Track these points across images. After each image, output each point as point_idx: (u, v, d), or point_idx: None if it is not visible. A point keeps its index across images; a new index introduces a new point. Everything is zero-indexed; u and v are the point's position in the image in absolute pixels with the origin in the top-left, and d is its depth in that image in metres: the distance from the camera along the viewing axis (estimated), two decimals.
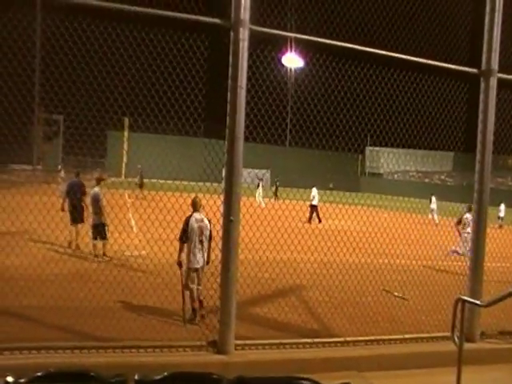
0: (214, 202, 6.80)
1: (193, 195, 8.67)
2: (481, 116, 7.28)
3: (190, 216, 8.55)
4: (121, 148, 34.96)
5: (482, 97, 7.23)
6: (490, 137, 7.32)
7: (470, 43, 7.54)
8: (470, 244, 7.71)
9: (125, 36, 6.10)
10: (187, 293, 8.45)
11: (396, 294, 10.46)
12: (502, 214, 33.58)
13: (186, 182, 8.84)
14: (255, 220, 7.89)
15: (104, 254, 13.17)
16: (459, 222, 15.76)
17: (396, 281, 10.83)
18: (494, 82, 7.18)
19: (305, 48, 6.43)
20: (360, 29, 7.08)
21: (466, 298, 6.10)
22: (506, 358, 7.49)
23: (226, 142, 5.86)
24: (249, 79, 6.03)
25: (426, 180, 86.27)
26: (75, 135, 8.23)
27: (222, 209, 6.18)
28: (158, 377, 2.12)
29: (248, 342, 6.77)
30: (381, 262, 13.57)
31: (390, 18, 7.36)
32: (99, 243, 13.31)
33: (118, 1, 5.41)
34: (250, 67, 6.03)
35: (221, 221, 6.35)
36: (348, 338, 7.37)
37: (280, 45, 6.28)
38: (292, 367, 6.60)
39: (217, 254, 6.79)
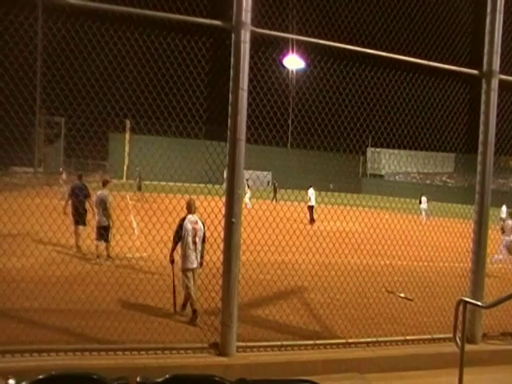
0: (216, 204, 6.81)
1: (194, 197, 8.72)
2: (482, 117, 7.28)
3: (185, 217, 8.67)
4: (122, 150, 34.97)
5: (483, 98, 7.23)
6: (492, 138, 7.31)
7: (471, 44, 7.54)
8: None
9: (126, 38, 6.11)
10: (180, 289, 8.66)
11: (402, 295, 10.45)
12: (503, 216, 33.52)
13: (187, 184, 8.87)
14: (250, 221, 7.88)
15: (108, 256, 13.24)
16: (502, 229, 16.50)
17: (398, 282, 10.82)
18: (495, 84, 7.17)
19: (306, 50, 6.44)
20: (362, 30, 7.08)
21: (467, 299, 6.09)
22: (507, 359, 7.48)
23: (228, 144, 5.87)
24: (250, 81, 6.04)
25: (428, 181, 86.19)
26: (77, 137, 8.24)
27: (223, 210, 6.19)
28: (160, 379, 2.12)
29: (250, 343, 6.77)
30: (382, 263, 13.56)
31: (391, 19, 7.36)
32: (102, 245, 13.34)
33: (120, 3, 5.42)
34: (251, 69, 6.04)
35: (221, 223, 6.37)
36: (349, 340, 7.37)
37: (281, 46, 6.29)
38: (293, 369, 6.60)
39: (218, 255, 6.79)
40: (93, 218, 14.12)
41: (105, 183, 14.17)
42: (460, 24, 7.66)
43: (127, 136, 35.91)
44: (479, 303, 6.44)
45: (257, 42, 6.00)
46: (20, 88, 6.22)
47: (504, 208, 33.93)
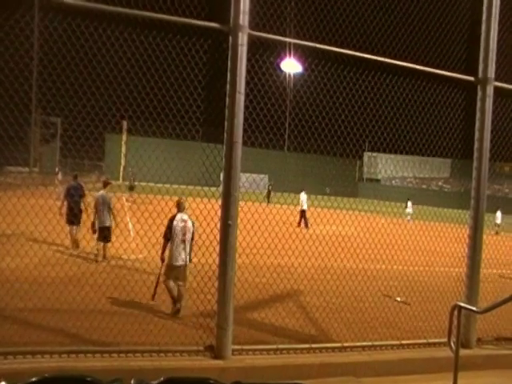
0: (212, 206, 6.80)
1: (190, 199, 8.72)
2: (477, 124, 7.30)
3: (174, 216, 8.89)
4: (119, 151, 34.84)
5: (478, 105, 7.25)
6: (487, 144, 7.33)
7: (468, 50, 7.56)
8: None
9: (123, 39, 6.09)
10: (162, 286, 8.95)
11: (398, 299, 10.45)
12: (498, 221, 33.73)
13: (183, 186, 8.89)
14: (246, 224, 7.87)
15: (104, 256, 13.22)
16: None
17: (393, 286, 10.83)
18: (490, 91, 7.18)
19: (304, 53, 6.44)
20: (359, 35, 7.08)
21: (462, 304, 6.11)
22: (502, 364, 7.49)
23: (224, 147, 5.86)
24: (247, 83, 6.04)
25: (424, 186, 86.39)
26: (73, 138, 8.21)
27: (219, 213, 6.18)
28: (155, 382, 2.10)
29: (245, 347, 6.75)
30: (378, 267, 13.58)
31: (388, 25, 7.37)
32: (103, 244, 13.35)
33: (117, 4, 5.40)
34: (248, 72, 6.03)
35: (217, 225, 6.35)
36: (345, 344, 7.36)
37: (279, 50, 6.29)
38: (289, 372, 6.59)
39: (214, 257, 6.78)
40: (88, 218, 14.10)
41: (105, 184, 14.20)
42: (457, 30, 7.68)
43: (124, 137, 35.79)
44: (474, 308, 6.46)
45: (254, 44, 6.00)
46: (15, 86, 6.20)
47: (499, 213, 34.08)
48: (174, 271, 8.82)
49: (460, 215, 9.22)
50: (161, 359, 6.32)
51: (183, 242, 8.78)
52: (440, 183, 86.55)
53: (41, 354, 5.97)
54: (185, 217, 8.92)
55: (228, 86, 5.83)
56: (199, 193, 7.89)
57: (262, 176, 52.53)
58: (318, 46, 6.31)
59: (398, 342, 7.65)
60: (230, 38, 5.74)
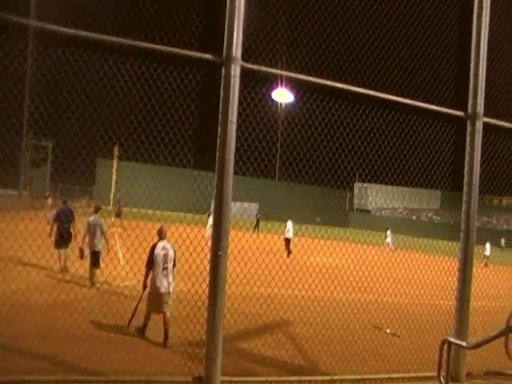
0: (199, 231, 6.79)
1: (181, 227, 8.73)
2: (467, 158, 7.38)
3: (156, 244, 8.90)
4: (110, 177, 34.84)
5: (468, 140, 7.34)
6: (476, 179, 7.40)
7: (458, 86, 7.71)
8: None
9: (117, 67, 6.15)
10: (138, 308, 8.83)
11: (388, 331, 10.38)
12: (487, 253, 33.85)
13: (175, 213, 8.89)
14: (236, 255, 7.85)
15: (92, 281, 13.08)
16: None
17: (384, 318, 10.78)
18: (479, 126, 7.30)
19: (295, 84, 6.53)
20: (351, 69, 7.21)
21: (452, 339, 6.10)
22: None
23: (216, 177, 5.87)
24: (239, 114, 6.09)
25: (414, 217, 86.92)
26: (64, 164, 8.22)
27: (207, 241, 6.16)
28: None
29: (234, 378, 6.66)
30: (368, 298, 13.52)
31: (380, 59, 7.52)
32: (94, 270, 13.23)
33: (112, 33, 5.48)
34: (240, 103, 6.10)
35: (207, 256, 6.32)
36: (334, 377, 7.29)
37: (271, 80, 6.37)
38: None
39: (204, 288, 6.74)
40: (77, 241, 14.01)
41: (96, 209, 14.15)
42: (447, 66, 7.85)
43: (115, 163, 35.84)
44: (463, 343, 6.44)
45: (247, 76, 6.07)
46: (8, 111, 6.22)
47: (488, 245, 34.23)
48: (156, 299, 8.78)
49: (450, 247, 9.25)
50: None
51: (165, 269, 8.77)
52: (430, 214, 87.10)
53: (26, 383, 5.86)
54: (167, 245, 8.94)
55: (220, 116, 5.87)
56: (187, 218, 7.89)
57: (253, 205, 52.66)
58: (309, 78, 6.39)
59: (387, 376, 7.57)
60: (223, 69, 5.82)
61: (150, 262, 8.77)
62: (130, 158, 10.16)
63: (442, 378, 5.68)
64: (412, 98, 7.01)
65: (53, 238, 14.27)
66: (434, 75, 7.89)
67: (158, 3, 6.11)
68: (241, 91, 5.99)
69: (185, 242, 7.80)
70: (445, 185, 8.53)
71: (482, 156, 7.45)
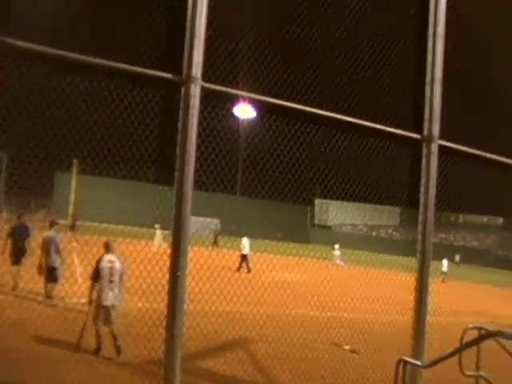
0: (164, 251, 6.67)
1: (143, 242, 8.65)
2: (423, 180, 7.52)
3: (102, 257, 8.93)
4: (68, 190, 34.07)
5: (423, 161, 7.49)
6: (432, 200, 7.53)
7: (416, 110, 7.87)
8: None
9: (75, 85, 6.03)
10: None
11: (346, 347, 10.42)
12: (445, 269, 34.60)
13: (137, 228, 8.76)
14: (196, 272, 7.77)
15: (49, 297, 12.72)
16: None
17: (342, 335, 10.82)
18: (435, 148, 7.47)
19: (257, 104, 6.54)
20: (310, 91, 7.26)
21: (407, 359, 6.23)
22: None
23: (175, 197, 5.77)
24: (201, 128, 6.04)
25: (374, 233, 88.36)
26: (21, 177, 7.99)
27: (168, 263, 6.03)
28: None
29: None
30: (328, 315, 13.57)
31: (338, 82, 7.62)
32: (50, 285, 12.86)
33: (71, 49, 5.37)
34: (202, 117, 6.04)
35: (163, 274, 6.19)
36: None
37: (232, 99, 6.36)
38: None
39: (162, 308, 6.61)
40: (35, 258, 13.61)
41: (52, 224, 13.83)
42: (407, 90, 8.05)
43: (74, 176, 35.12)
44: (418, 363, 6.52)
45: (208, 96, 6.02)
46: None
47: (445, 261, 34.99)
48: (102, 312, 8.72)
49: (409, 263, 9.39)
50: None
51: (111, 282, 8.75)
52: (390, 231, 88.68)
53: None
54: (113, 258, 8.92)
55: (179, 136, 5.77)
56: (153, 233, 7.77)
57: (214, 220, 52.44)
58: (268, 99, 6.38)
59: None
60: (183, 89, 5.76)
61: (96, 275, 8.76)
62: (90, 173, 10.00)
63: None
64: (375, 121, 7.12)
65: (7, 255, 13.85)
66: (396, 99, 8.06)
67: (120, 23, 6.05)
68: (201, 111, 5.92)
69: (140, 256, 7.69)
70: (403, 202, 8.67)
71: (439, 176, 7.60)
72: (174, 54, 5.97)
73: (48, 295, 12.76)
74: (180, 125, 5.74)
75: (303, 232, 74.71)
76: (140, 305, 8.92)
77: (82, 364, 7.92)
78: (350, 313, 13.77)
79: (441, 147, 7.45)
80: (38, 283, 12.63)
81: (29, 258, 13.98)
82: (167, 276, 5.70)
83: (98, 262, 8.86)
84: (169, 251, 5.72)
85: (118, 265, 8.90)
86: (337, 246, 38.86)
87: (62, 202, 34.92)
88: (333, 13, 7.16)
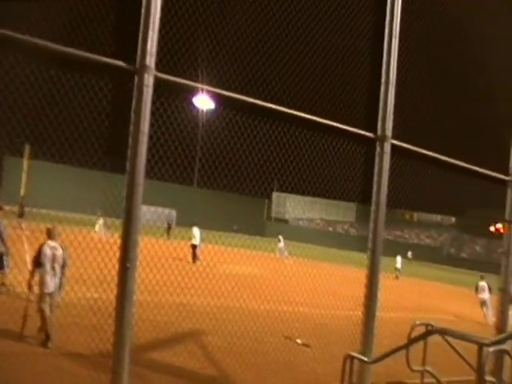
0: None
1: (84, 229, 8.43)
2: (375, 178, 7.62)
3: (44, 243, 8.77)
4: (19, 176, 32.86)
5: (376, 160, 7.59)
6: (383, 198, 7.63)
7: (370, 108, 7.94)
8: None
9: (27, 68, 5.79)
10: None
11: (299, 341, 10.48)
12: (398, 266, 35.38)
13: (87, 216, 8.53)
14: (148, 262, 7.64)
15: (3, 284, 12.31)
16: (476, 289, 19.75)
17: (295, 328, 10.88)
18: (387, 148, 7.58)
19: (215, 96, 6.44)
20: (271, 87, 7.23)
21: (354, 354, 6.34)
22: None
23: (126, 188, 5.61)
24: (156, 118, 5.90)
25: (330, 228, 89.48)
26: None
27: (118, 254, 5.88)
28: None
29: None
30: (280, 308, 13.64)
31: (298, 80, 7.63)
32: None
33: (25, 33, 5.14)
34: (157, 106, 5.90)
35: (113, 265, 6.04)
36: None
37: (190, 90, 6.23)
38: None
39: (111, 299, 6.46)
40: None
41: None
42: (360, 87, 8.13)
43: (25, 162, 33.89)
44: (365, 359, 6.63)
45: (166, 84, 5.88)
46: None
47: (399, 258, 35.75)
48: (45, 298, 8.55)
49: (364, 259, 9.52)
50: None
51: (53, 269, 8.62)
52: (346, 227, 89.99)
53: None
54: (54, 244, 8.78)
55: (132, 127, 5.61)
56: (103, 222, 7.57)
57: (170, 211, 51.94)
58: (224, 92, 6.27)
59: None
60: (136, 78, 5.60)
61: (37, 262, 8.61)
62: (42, 157, 9.67)
63: None
64: (333, 119, 7.14)
65: None
66: (353, 98, 8.13)
67: (74, 8, 5.85)
68: (155, 100, 5.77)
69: (89, 245, 7.49)
70: (359, 199, 8.76)
71: (393, 175, 7.70)
72: (129, 43, 5.78)
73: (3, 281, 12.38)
74: (132, 114, 5.57)
75: (259, 225, 74.82)
76: (89, 295, 8.70)
77: (28, 357, 7.67)
78: (302, 307, 13.88)
79: (394, 146, 7.56)
80: None
81: None
82: (117, 266, 5.52)
83: (40, 247, 8.70)
84: (112, 240, 5.57)
85: (59, 251, 8.77)
86: (281, 237, 38.25)
87: (11, 187, 33.72)
88: (290, 7, 7.14)
